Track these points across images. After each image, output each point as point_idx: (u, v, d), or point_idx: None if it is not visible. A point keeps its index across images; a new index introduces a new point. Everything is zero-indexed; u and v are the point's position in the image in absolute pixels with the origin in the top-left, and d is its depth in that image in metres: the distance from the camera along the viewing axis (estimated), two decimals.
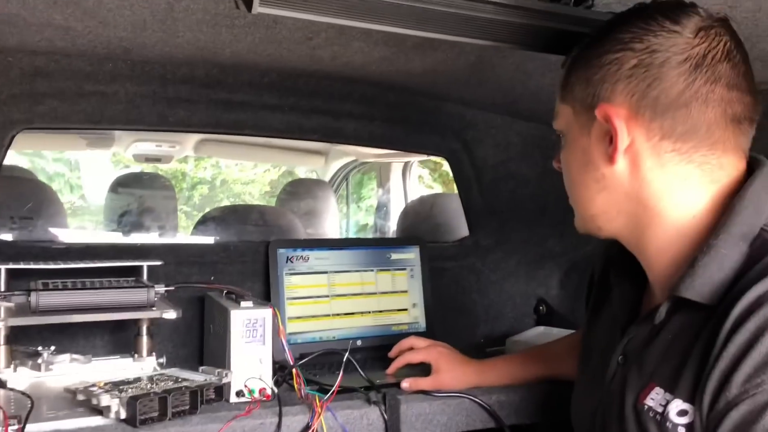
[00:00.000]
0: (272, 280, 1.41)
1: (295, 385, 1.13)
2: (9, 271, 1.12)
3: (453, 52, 1.21)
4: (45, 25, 1.09)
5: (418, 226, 2.26)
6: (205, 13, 1.03)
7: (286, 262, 1.43)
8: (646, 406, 0.77)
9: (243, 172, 5.86)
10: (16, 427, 0.91)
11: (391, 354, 1.30)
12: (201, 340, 1.36)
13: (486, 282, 1.71)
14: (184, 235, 2.86)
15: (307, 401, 1.09)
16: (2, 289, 1.10)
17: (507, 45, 0.93)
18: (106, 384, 1.02)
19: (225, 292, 1.26)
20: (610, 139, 0.80)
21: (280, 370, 1.19)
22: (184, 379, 1.06)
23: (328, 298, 1.46)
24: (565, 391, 1.05)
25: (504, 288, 1.72)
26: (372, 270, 1.52)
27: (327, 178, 3.54)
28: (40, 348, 1.14)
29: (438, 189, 3.97)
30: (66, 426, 0.95)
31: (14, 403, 0.99)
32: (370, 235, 3.81)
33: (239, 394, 1.09)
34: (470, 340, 1.65)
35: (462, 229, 1.79)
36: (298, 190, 3.10)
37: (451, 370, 1.20)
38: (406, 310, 1.54)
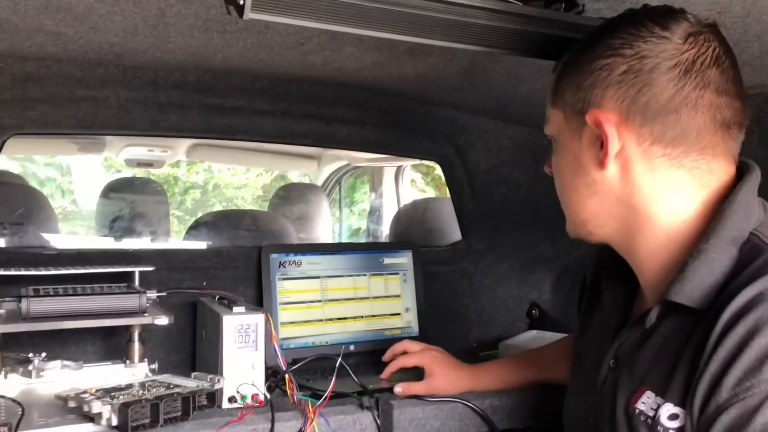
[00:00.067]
0: (265, 285, 1.40)
1: (288, 391, 1.12)
2: (0, 278, 1.12)
3: (445, 58, 1.22)
4: (36, 30, 1.09)
5: (411, 230, 2.26)
6: (197, 18, 1.03)
7: (279, 267, 1.43)
8: (637, 410, 0.77)
9: (235, 177, 5.85)
10: None
11: (385, 358, 1.30)
12: (193, 346, 1.35)
13: (479, 286, 1.71)
14: (177, 240, 2.86)
15: (299, 407, 1.09)
16: None
17: (499, 51, 0.93)
18: (97, 390, 1.01)
19: (217, 297, 1.25)
20: (601, 144, 0.80)
21: (273, 375, 1.19)
22: (176, 386, 1.06)
23: (321, 303, 1.46)
24: (558, 395, 1.05)
25: (497, 292, 1.73)
26: (365, 275, 1.52)
27: (320, 183, 3.54)
28: (31, 354, 1.13)
29: (431, 193, 3.98)
30: None
31: (4, 411, 0.99)
32: (362, 240, 3.81)
33: (231, 400, 1.09)
34: (463, 344, 1.65)
35: (455, 234, 1.79)
36: (290, 195, 3.10)
37: (445, 375, 1.20)
38: (399, 314, 1.54)
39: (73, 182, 4.88)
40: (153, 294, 1.19)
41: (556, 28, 0.90)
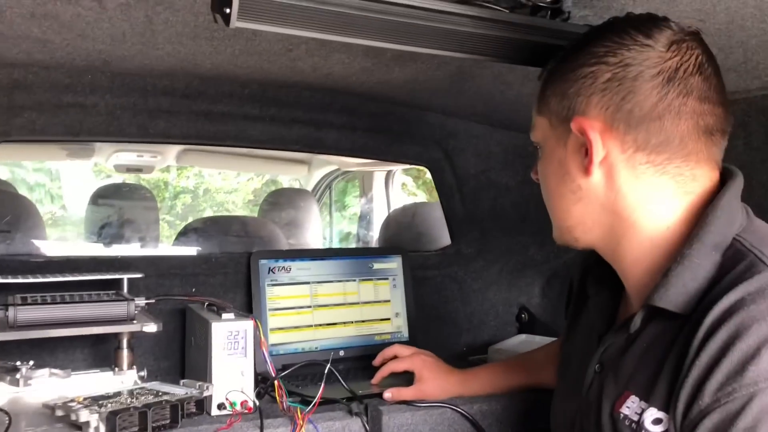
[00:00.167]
0: (254, 291, 1.40)
1: (277, 397, 1.12)
2: None
3: (433, 63, 1.22)
4: (22, 38, 1.09)
5: (401, 235, 2.26)
6: (185, 25, 1.03)
7: (268, 273, 1.42)
8: (622, 415, 0.78)
9: (226, 181, 5.84)
10: None
11: (375, 362, 1.30)
12: (183, 353, 1.35)
13: (468, 290, 1.72)
14: (167, 245, 2.85)
15: (288, 413, 1.09)
16: None
17: (485, 58, 0.94)
18: (85, 399, 1.01)
19: (206, 304, 1.25)
20: (586, 151, 0.81)
21: (263, 381, 1.19)
22: (165, 393, 1.05)
23: (311, 309, 1.46)
24: (546, 400, 1.06)
25: (486, 296, 1.73)
26: (354, 280, 1.52)
27: (310, 187, 3.53)
28: (18, 363, 1.12)
29: (422, 196, 3.98)
30: None
31: None
32: (353, 245, 3.81)
33: (221, 407, 1.09)
34: (453, 348, 1.65)
35: (444, 238, 1.80)
36: (279, 201, 3.09)
37: (434, 379, 1.20)
38: (388, 319, 1.54)
39: (63, 188, 4.85)
40: (141, 301, 1.18)
41: (542, 35, 0.90)
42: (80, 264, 1.32)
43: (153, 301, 1.22)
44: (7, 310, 1.05)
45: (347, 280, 1.51)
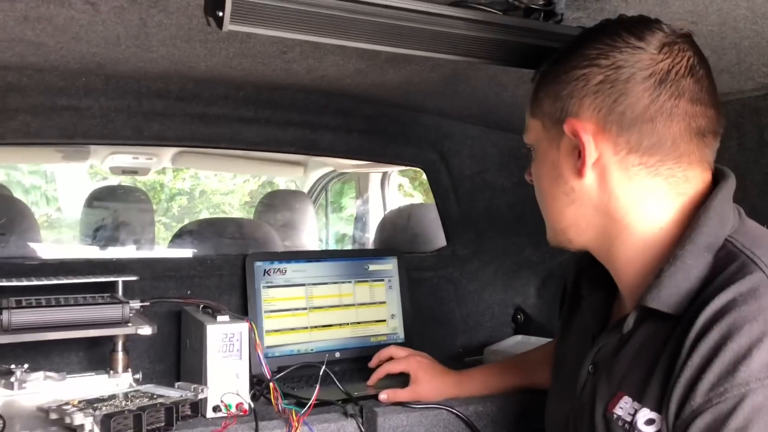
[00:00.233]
0: (249, 293, 1.40)
1: (273, 400, 1.12)
2: None
3: (427, 65, 1.22)
4: (16, 40, 1.09)
5: (396, 236, 2.26)
6: (179, 28, 1.03)
7: (264, 275, 1.42)
8: (615, 415, 0.78)
9: (222, 183, 5.83)
10: None
11: (371, 364, 1.30)
12: (178, 356, 1.35)
13: (464, 292, 1.72)
14: (162, 247, 2.84)
15: (284, 415, 1.09)
16: None
17: (479, 60, 0.94)
18: (80, 402, 1.01)
19: (201, 306, 1.25)
20: (579, 153, 0.81)
21: (258, 384, 1.19)
22: (160, 396, 1.05)
23: (306, 311, 1.46)
24: (541, 401, 1.06)
25: (482, 297, 1.73)
26: (350, 281, 1.52)
27: (306, 189, 3.53)
28: (12, 366, 1.12)
29: (419, 197, 3.98)
30: None
31: None
32: (348, 246, 3.81)
33: (216, 409, 1.09)
34: (449, 349, 1.65)
35: (440, 240, 1.80)
36: (275, 202, 3.09)
37: (430, 381, 1.20)
38: (384, 321, 1.54)
39: (58, 190, 4.84)
40: (136, 304, 1.18)
41: (535, 37, 0.91)
42: (75, 267, 1.32)
43: (148, 303, 1.22)
44: (1, 313, 1.05)
45: (343, 282, 1.51)
